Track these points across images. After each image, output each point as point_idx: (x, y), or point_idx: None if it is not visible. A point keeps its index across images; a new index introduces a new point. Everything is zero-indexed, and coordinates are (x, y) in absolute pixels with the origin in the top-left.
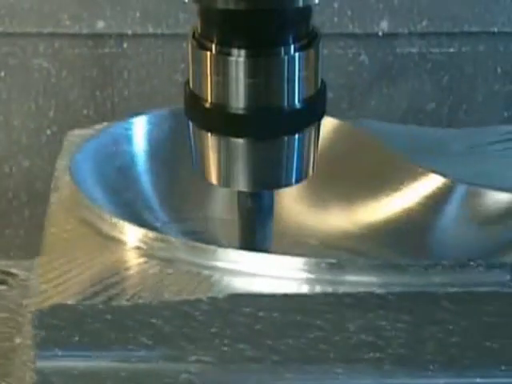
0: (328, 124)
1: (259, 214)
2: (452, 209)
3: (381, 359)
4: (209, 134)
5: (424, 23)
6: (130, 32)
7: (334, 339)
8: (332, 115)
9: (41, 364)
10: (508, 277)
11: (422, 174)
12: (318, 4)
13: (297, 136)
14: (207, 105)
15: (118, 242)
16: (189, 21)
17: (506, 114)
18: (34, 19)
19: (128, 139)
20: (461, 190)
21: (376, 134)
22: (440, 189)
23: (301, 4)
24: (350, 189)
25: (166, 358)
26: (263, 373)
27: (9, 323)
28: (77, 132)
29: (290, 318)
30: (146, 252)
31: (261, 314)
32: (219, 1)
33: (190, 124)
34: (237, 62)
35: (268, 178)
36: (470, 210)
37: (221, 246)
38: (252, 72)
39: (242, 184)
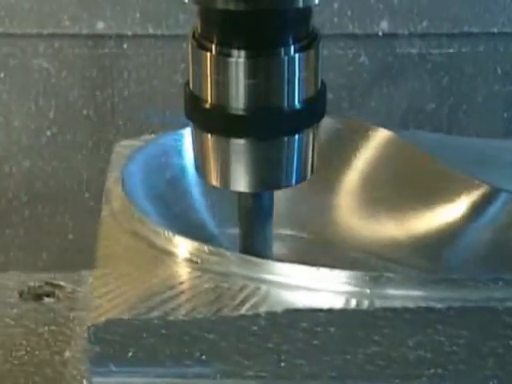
0: (381, 136)
1: (259, 215)
2: (506, 221)
3: (440, 375)
4: (209, 135)
5: (424, 24)
6: (129, 33)
7: (391, 355)
8: (331, 115)
9: (96, 380)
10: None
11: (476, 185)
12: (318, 4)
13: (297, 137)
14: (207, 105)
15: (172, 256)
16: (189, 21)
17: (505, 115)
18: (34, 20)
19: (177, 151)
20: None
21: (426, 146)
22: (494, 201)
23: (301, 5)
24: (403, 201)
25: (223, 374)
26: None
27: (58, 336)
28: (125, 143)
29: (348, 333)
30: (201, 266)
31: (318, 329)
32: (219, 1)
33: (191, 125)
34: (237, 62)
35: (268, 179)
36: None
37: (273, 259)
38: (252, 73)
39: (242, 185)
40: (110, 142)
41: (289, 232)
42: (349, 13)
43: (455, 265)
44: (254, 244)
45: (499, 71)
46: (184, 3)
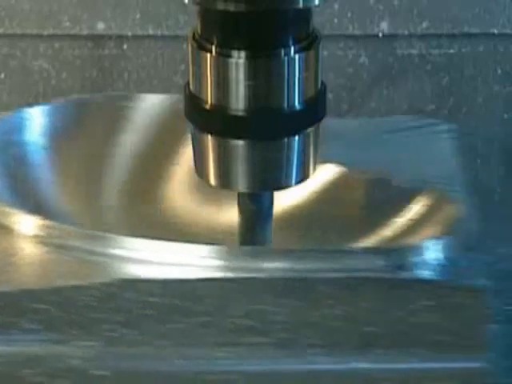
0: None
1: (259, 216)
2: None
3: (263, 343)
4: (209, 136)
5: (424, 25)
6: (129, 33)
7: (215, 324)
8: (332, 116)
9: None
10: (382, 262)
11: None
12: (318, 6)
13: (297, 137)
14: (207, 106)
15: (11, 231)
16: (189, 22)
17: (506, 116)
18: (34, 20)
19: (21, 129)
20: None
21: None
22: (334, 177)
23: (301, 5)
24: None
25: (54, 343)
26: (148, 358)
27: None
28: None
29: (172, 303)
30: (41, 240)
31: (152, 299)
32: (219, 2)
33: (191, 125)
34: (237, 63)
35: (268, 180)
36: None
37: (115, 232)
38: (252, 73)
39: (241, 185)
40: None
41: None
42: (349, 14)
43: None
44: (254, 244)
45: (499, 72)
46: (184, 4)
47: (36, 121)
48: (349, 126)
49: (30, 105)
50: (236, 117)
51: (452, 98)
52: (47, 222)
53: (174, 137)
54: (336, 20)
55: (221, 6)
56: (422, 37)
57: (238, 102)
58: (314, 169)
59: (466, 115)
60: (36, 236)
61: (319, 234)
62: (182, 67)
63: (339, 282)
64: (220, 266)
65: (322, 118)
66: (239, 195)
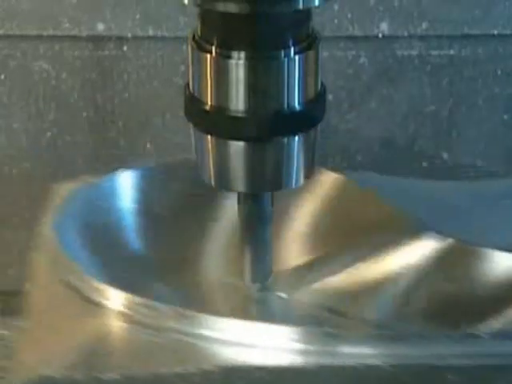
0: (329, 179)
1: (259, 216)
2: (452, 269)
3: None
4: (209, 136)
5: (424, 25)
6: (130, 35)
7: None
8: (331, 117)
9: None
10: None
11: (423, 232)
12: (318, 7)
13: (296, 138)
14: (207, 107)
15: (102, 307)
16: (189, 24)
17: (505, 117)
18: (34, 21)
19: (114, 194)
20: (461, 250)
21: (379, 189)
22: (441, 249)
23: (301, 7)
24: (352, 246)
25: None
26: None
27: None
28: (62, 185)
29: None
30: (132, 318)
31: None
32: (219, 4)
33: (191, 126)
34: (237, 64)
35: (268, 180)
36: (470, 270)
37: (212, 312)
38: (252, 74)
39: (241, 186)
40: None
41: (229, 280)
42: (349, 15)
43: (394, 316)
44: (254, 245)
45: (499, 73)
46: (184, 5)
47: (126, 186)
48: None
49: (117, 169)
50: (236, 117)
51: (452, 99)
52: (138, 299)
53: None
54: (336, 21)
55: (221, 8)
56: (422, 38)
57: (238, 102)
58: (313, 169)
59: (466, 116)
60: (127, 314)
61: (452, 317)
62: (182, 68)
63: (469, 370)
64: (325, 351)
65: (321, 119)
66: (239, 196)
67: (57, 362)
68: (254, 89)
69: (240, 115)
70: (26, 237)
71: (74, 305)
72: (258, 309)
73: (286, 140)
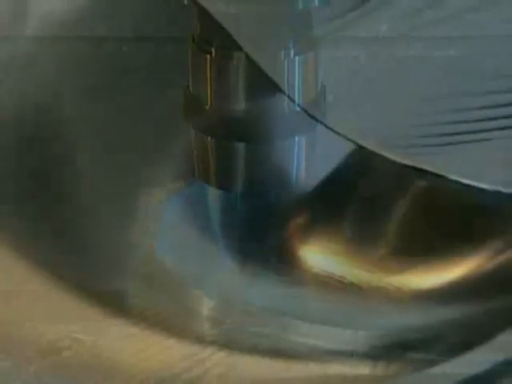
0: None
1: (259, 215)
2: None
3: None
4: (208, 138)
5: (424, 26)
6: (130, 35)
7: None
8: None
9: None
10: None
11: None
12: (318, 7)
13: (296, 139)
14: (207, 108)
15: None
16: (189, 24)
17: None
18: (35, 22)
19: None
20: None
21: None
22: None
23: (301, 7)
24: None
25: None
26: None
27: None
28: None
29: None
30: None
31: None
32: (219, 4)
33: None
34: (237, 65)
35: (268, 181)
36: None
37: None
38: (252, 75)
39: (241, 187)
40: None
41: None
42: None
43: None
44: (254, 245)
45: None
46: (184, 5)
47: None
48: None
49: None
50: (236, 118)
51: None
52: None
53: None
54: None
55: (221, 8)
56: (422, 38)
57: (238, 103)
58: (313, 170)
59: None
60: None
61: None
62: (182, 69)
63: None
64: None
65: (321, 120)
66: (239, 195)
67: None
68: (253, 89)
69: (240, 116)
70: None
71: None
72: None
73: (286, 141)
